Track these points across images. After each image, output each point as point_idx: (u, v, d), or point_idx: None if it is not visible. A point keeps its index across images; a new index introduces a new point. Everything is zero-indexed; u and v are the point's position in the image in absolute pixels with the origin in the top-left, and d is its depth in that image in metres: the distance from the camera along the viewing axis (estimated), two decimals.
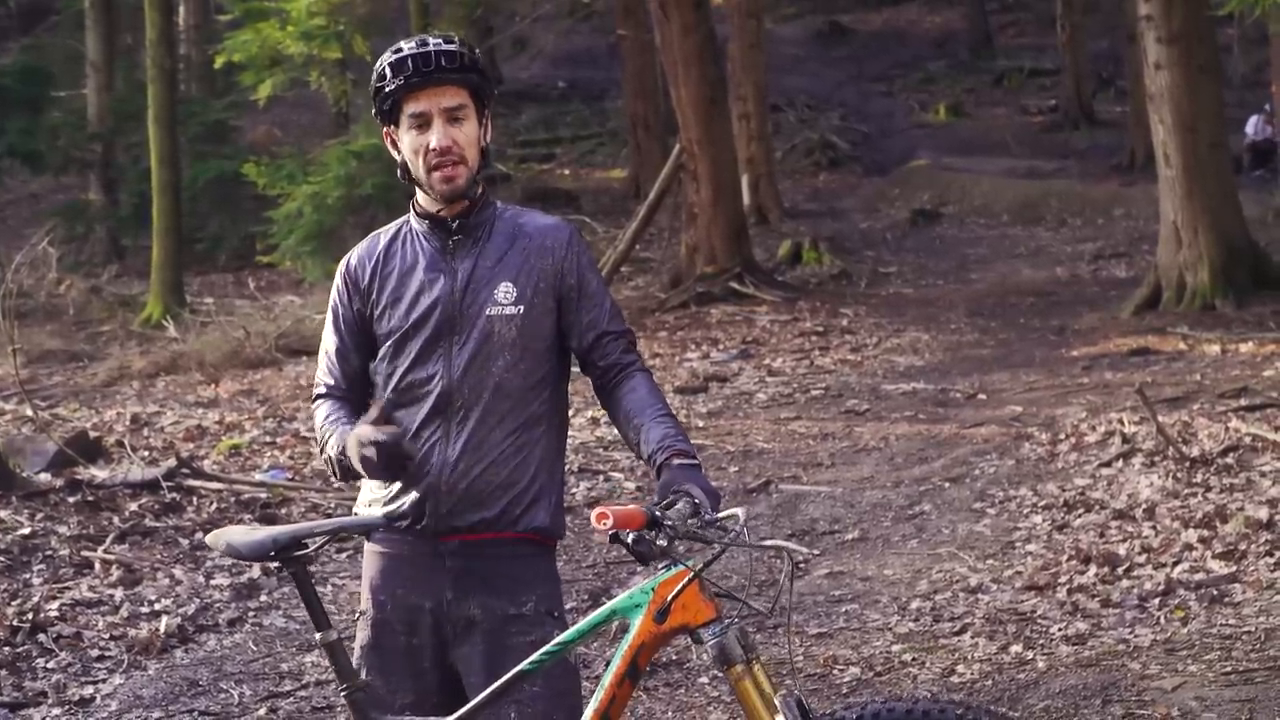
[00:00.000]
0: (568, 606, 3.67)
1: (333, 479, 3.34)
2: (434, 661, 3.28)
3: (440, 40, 3.24)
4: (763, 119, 23.14)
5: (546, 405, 3.32)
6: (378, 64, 3.26)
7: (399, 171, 3.32)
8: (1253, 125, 23.98)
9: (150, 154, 19.95)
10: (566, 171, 27.98)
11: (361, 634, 3.33)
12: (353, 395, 3.37)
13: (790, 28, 35.85)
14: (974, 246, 20.90)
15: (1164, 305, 14.57)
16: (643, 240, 19.91)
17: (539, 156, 28.61)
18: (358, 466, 3.16)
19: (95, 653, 6.34)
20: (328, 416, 3.33)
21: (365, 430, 3.14)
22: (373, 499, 3.34)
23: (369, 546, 3.37)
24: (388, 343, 3.30)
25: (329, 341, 3.39)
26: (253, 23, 16.55)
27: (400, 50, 3.23)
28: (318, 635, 3.21)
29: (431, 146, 3.21)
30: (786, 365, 13.59)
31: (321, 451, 3.32)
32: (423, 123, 3.22)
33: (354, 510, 3.44)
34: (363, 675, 3.29)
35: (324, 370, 3.39)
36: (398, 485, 3.28)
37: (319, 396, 3.39)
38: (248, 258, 21.00)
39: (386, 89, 3.22)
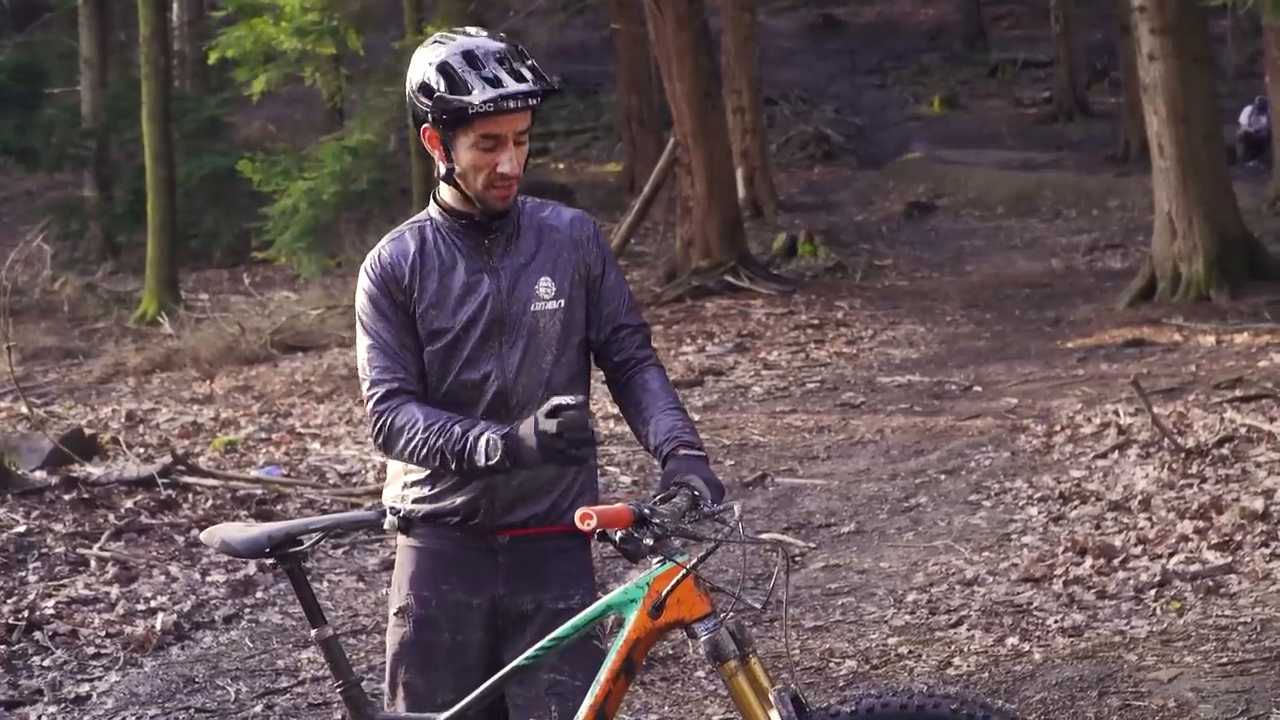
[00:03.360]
0: None
1: (484, 462, 3.15)
2: (480, 659, 3.27)
3: (528, 70, 3.17)
4: (757, 112, 23.11)
5: (584, 399, 3.30)
6: (449, 68, 3.15)
7: (439, 172, 3.25)
8: (1246, 116, 23.99)
9: (145, 150, 19.90)
10: (561, 166, 27.95)
11: (401, 630, 3.29)
12: (420, 390, 3.24)
13: (783, 21, 35.80)
14: (969, 239, 20.88)
15: (1159, 296, 14.56)
16: (638, 234, 19.91)
17: (533, 151, 28.19)
18: (531, 443, 2.99)
19: (91, 650, 6.33)
20: (446, 416, 3.14)
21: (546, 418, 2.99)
22: (419, 497, 3.28)
23: (406, 542, 3.32)
24: (436, 344, 3.24)
25: (386, 337, 3.22)
26: (246, 19, 16.50)
27: (494, 82, 3.13)
28: (313, 632, 3.21)
29: (503, 171, 3.20)
30: (782, 358, 13.58)
31: (461, 438, 3.08)
32: (495, 143, 3.18)
33: (385, 503, 3.38)
34: (401, 672, 3.28)
35: (384, 367, 3.21)
36: (444, 484, 3.24)
37: (390, 394, 3.20)
38: (243, 254, 20.97)
39: (472, 108, 3.12)
